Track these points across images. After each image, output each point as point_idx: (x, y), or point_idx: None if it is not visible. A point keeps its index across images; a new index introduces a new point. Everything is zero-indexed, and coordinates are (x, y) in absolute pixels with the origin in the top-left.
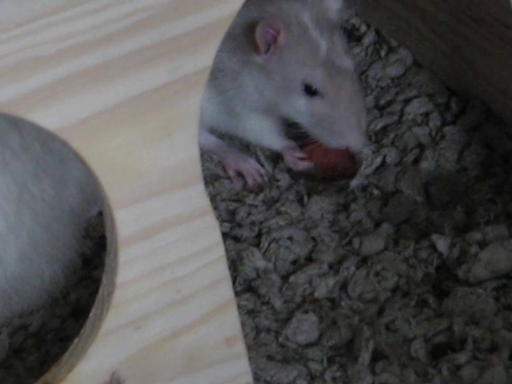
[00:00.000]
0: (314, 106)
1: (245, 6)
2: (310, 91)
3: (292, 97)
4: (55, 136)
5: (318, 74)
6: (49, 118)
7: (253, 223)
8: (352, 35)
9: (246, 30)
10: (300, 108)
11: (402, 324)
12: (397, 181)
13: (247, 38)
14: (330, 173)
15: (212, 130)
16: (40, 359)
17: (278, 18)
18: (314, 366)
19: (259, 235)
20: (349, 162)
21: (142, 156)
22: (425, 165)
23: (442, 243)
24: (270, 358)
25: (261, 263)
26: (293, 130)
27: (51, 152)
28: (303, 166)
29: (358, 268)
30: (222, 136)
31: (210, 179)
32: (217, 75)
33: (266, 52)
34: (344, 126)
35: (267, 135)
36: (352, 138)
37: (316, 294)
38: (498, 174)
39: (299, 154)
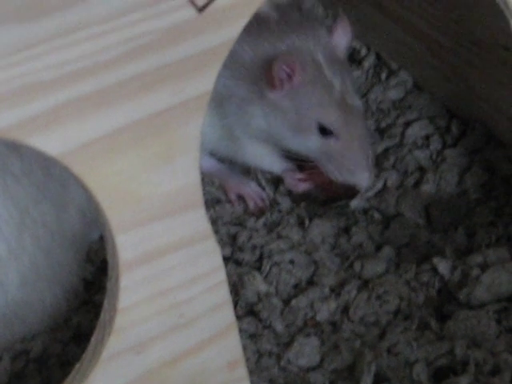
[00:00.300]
0: (328, 146)
1: (256, 39)
2: (324, 131)
3: (305, 135)
4: (56, 161)
5: (332, 115)
6: (50, 143)
7: (254, 247)
8: (352, 58)
9: (258, 64)
10: (312, 147)
11: (403, 347)
12: (398, 204)
13: (259, 72)
14: (331, 194)
15: (213, 154)
16: None
17: (294, 55)
18: None
19: (260, 259)
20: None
21: (143, 180)
22: (426, 188)
23: (443, 266)
24: (271, 382)
25: (262, 287)
26: (293, 156)
27: (52, 177)
28: (303, 187)
29: (359, 291)
30: (223, 160)
31: (211, 203)
32: (222, 102)
33: (281, 89)
34: (355, 164)
35: (267, 159)
36: (361, 177)
37: (317, 318)
38: (499, 197)
39: (299, 176)
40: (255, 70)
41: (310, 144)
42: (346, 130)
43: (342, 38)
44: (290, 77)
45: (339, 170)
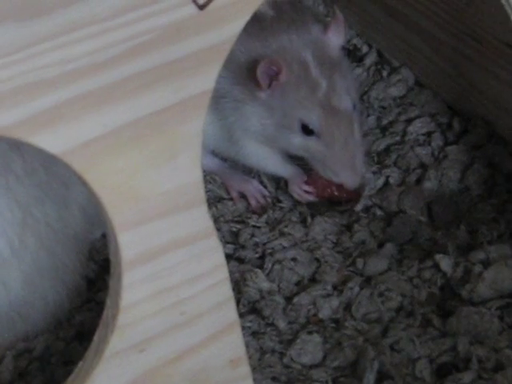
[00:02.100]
0: (310, 145)
1: (248, 38)
2: (306, 130)
3: (289, 134)
4: (58, 159)
5: (314, 114)
6: (51, 141)
7: (256, 244)
8: (354, 56)
9: (249, 64)
10: (296, 145)
11: (406, 344)
12: (400, 201)
13: (250, 72)
14: (335, 201)
15: (214, 152)
16: (44, 382)
17: (281, 55)
18: None
19: (263, 256)
20: (353, 191)
21: (145, 178)
22: (428, 185)
23: (445, 263)
24: (274, 379)
25: (265, 284)
26: (296, 161)
27: (54, 176)
28: (307, 199)
29: (361, 288)
30: (225, 158)
31: (213, 201)
32: (219, 101)
33: (268, 88)
34: (338, 165)
35: (271, 161)
36: (345, 176)
37: (320, 315)
38: (501, 194)
39: (305, 187)
40: (247, 69)
41: (293, 143)
42: (328, 130)
43: (335, 36)
44: (276, 75)
45: (324, 169)
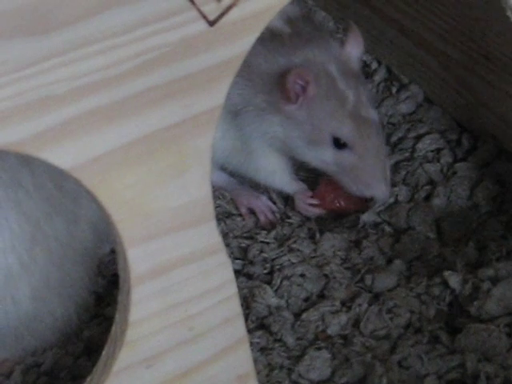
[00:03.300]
0: (342, 159)
1: (270, 52)
2: (338, 144)
3: (320, 148)
4: (68, 175)
5: (346, 127)
6: (61, 156)
7: (265, 260)
8: (363, 72)
9: (273, 77)
10: (327, 159)
11: (414, 361)
12: (408, 217)
13: (275, 86)
14: (342, 213)
15: (223, 168)
16: None
17: (307, 68)
18: None
19: (271, 272)
20: (360, 203)
21: (155, 194)
22: (436, 201)
23: (454, 280)
24: None
25: (273, 300)
26: (303, 173)
27: (64, 191)
28: (314, 212)
29: (370, 305)
30: (234, 174)
31: (222, 216)
32: (239, 112)
33: (295, 102)
34: (371, 177)
35: (278, 177)
36: (378, 189)
37: (328, 331)
38: (510, 210)
39: (310, 201)
40: (271, 82)
41: (324, 157)
42: (361, 143)
43: (354, 49)
44: (304, 90)
45: (355, 182)
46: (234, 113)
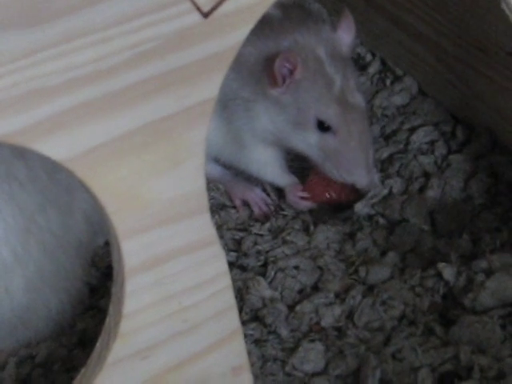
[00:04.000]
0: (326, 142)
1: (259, 38)
2: (322, 127)
3: (304, 131)
4: (61, 166)
5: (331, 110)
6: (55, 148)
7: (259, 252)
8: (357, 64)
9: (261, 62)
10: (311, 142)
11: (408, 353)
12: (403, 209)
13: (262, 70)
14: (334, 205)
15: (217, 160)
16: None
17: (295, 51)
18: None
19: (265, 264)
20: (352, 193)
21: (149, 186)
22: (430, 193)
23: (448, 272)
24: None
25: (267, 292)
26: (295, 165)
27: (58, 183)
28: (305, 205)
29: (364, 297)
30: (228, 166)
31: (216, 208)
32: (227, 104)
33: (282, 85)
34: (352, 163)
35: (270, 169)
36: (359, 175)
37: (322, 323)
38: (504, 203)
39: (301, 193)
40: (258, 68)
41: (308, 140)
42: (345, 127)
43: (345, 34)
44: (291, 73)
45: (337, 168)
46: (223, 105)
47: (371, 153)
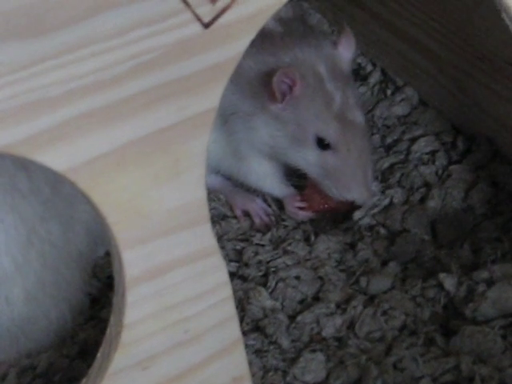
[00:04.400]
0: (325, 159)
1: (260, 53)
2: (322, 144)
3: (303, 148)
4: (63, 177)
5: (330, 128)
6: (56, 158)
7: (260, 263)
8: (358, 74)
9: (261, 77)
10: (310, 159)
11: (409, 363)
12: (403, 220)
13: (262, 85)
14: (332, 214)
15: (217, 171)
16: None
17: (295, 67)
18: None
19: (266, 275)
20: (350, 203)
21: (150, 196)
22: (431, 203)
23: (449, 282)
24: None
25: (268, 303)
26: (293, 176)
27: (60, 195)
28: (304, 215)
29: (365, 307)
30: (228, 177)
31: (217, 219)
32: (227, 118)
33: (282, 101)
34: (351, 180)
35: (268, 181)
36: (357, 193)
37: (323, 334)
38: (505, 213)
39: (299, 204)
40: (258, 83)
41: (308, 157)
42: (344, 144)
43: (346, 50)
44: (290, 89)
45: (336, 185)
46: (223, 118)
47: (370, 170)
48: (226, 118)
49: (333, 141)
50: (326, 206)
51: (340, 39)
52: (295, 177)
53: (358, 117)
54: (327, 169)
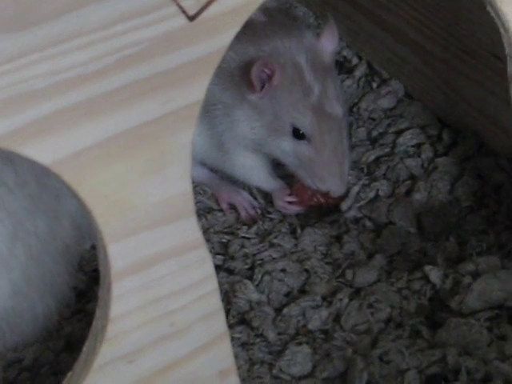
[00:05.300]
0: (300, 150)
1: (241, 42)
2: (297, 134)
3: (280, 137)
4: (48, 170)
5: (306, 118)
6: (41, 152)
7: (246, 256)
8: (344, 67)
9: (242, 67)
10: (286, 149)
11: (395, 355)
12: (389, 212)
13: (242, 75)
14: (323, 207)
15: (203, 163)
16: None
17: (274, 57)
18: None
19: (252, 268)
20: (339, 197)
21: (135, 189)
22: (417, 196)
23: (434, 274)
24: None
25: (254, 296)
26: (282, 169)
27: (46, 188)
28: (293, 210)
29: (351, 300)
30: (214, 169)
31: (202, 212)
32: (209, 109)
33: (260, 91)
34: (326, 171)
35: (256, 174)
36: (332, 184)
37: (309, 326)
38: (490, 205)
39: (289, 198)
40: (239, 73)
41: (283, 147)
42: (319, 136)
43: (328, 42)
44: (269, 78)
45: (311, 175)
46: (205, 110)
47: (347, 163)
48: (208, 110)
49: (308, 131)
50: (315, 200)
51: (323, 31)
52: (284, 169)
53: (336, 109)
54: (302, 159)
